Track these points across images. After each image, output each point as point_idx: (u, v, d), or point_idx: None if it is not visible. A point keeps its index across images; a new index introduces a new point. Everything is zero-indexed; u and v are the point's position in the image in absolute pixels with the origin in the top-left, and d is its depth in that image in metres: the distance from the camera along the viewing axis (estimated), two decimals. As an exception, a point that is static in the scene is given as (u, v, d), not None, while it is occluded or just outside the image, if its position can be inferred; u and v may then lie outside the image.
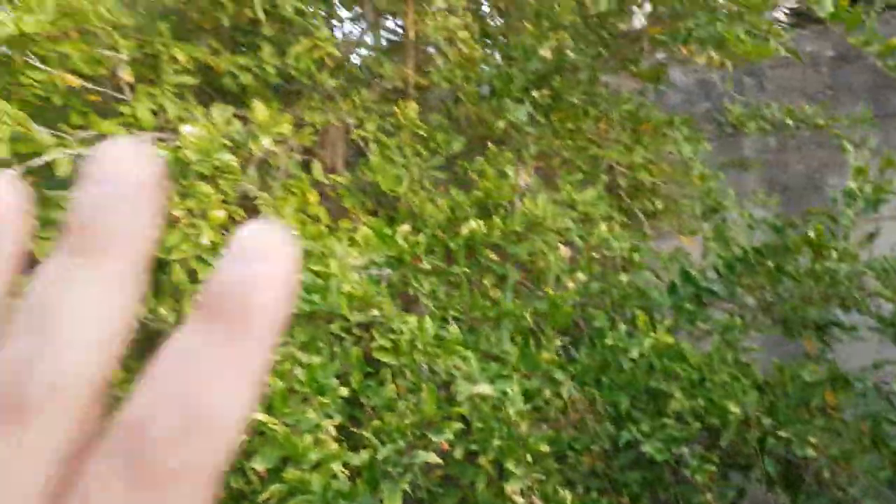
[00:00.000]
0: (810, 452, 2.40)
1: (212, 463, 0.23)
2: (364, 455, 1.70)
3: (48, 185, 2.44)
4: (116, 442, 0.23)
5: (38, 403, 0.23)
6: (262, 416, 1.71)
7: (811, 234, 2.63)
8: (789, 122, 3.68)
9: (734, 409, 2.40)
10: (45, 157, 2.20)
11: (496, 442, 2.05)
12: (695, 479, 2.34)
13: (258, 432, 1.82)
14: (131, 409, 0.24)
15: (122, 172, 0.25)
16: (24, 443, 0.23)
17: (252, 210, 2.75)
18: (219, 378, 0.23)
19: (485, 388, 2.17)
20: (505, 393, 2.18)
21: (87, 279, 0.24)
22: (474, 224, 2.50)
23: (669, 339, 2.55)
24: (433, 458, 1.62)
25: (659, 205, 3.69)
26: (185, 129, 2.21)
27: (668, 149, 3.59)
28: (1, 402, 0.23)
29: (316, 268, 2.23)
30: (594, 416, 2.52)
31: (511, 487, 1.95)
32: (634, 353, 2.52)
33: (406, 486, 1.66)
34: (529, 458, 2.08)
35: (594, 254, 2.80)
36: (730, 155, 5.08)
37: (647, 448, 2.33)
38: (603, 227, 2.79)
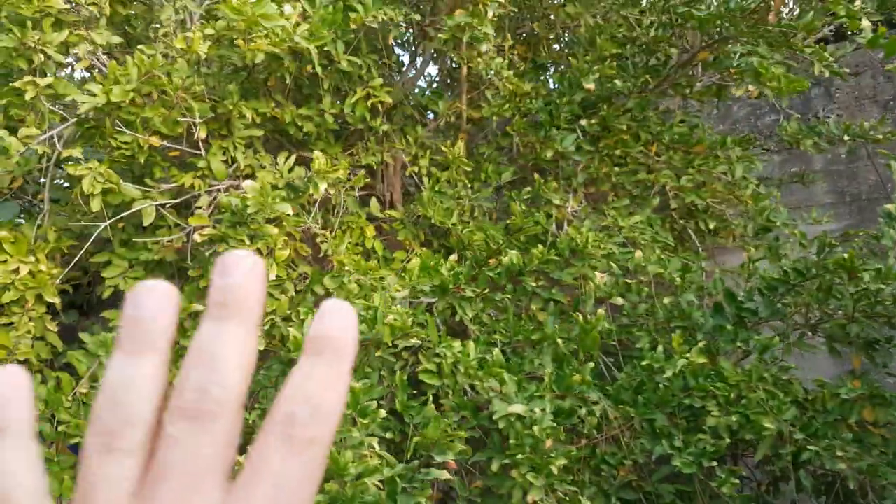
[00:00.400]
0: (840, 465, 2.44)
1: (328, 437, 0.36)
2: (386, 472, 1.91)
3: (136, 232, 2.81)
4: (272, 426, 0.36)
5: (215, 410, 0.35)
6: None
7: (844, 255, 2.65)
8: (846, 137, 3.63)
9: (769, 424, 2.47)
10: (134, 208, 2.56)
11: (523, 456, 2.22)
12: (722, 491, 2.43)
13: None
14: (279, 407, 0.36)
15: (237, 265, 0.37)
16: (207, 436, 0.35)
17: (316, 244, 3.04)
18: (327, 388, 0.36)
19: (517, 408, 2.35)
20: (533, 412, 2.34)
21: (232, 332, 0.36)
22: (512, 255, 2.67)
23: (702, 359, 2.62)
24: (444, 475, 1.81)
25: (712, 224, 3.72)
26: (246, 183, 2.50)
27: (719, 170, 3.62)
28: (191, 412, 0.35)
29: (364, 302, 2.47)
30: (630, 433, 2.63)
31: (531, 497, 2.11)
32: (668, 373, 2.62)
33: (423, 500, 1.86)
34: (554, 470, 2.23)
35: (642, 277, 2.90)
36: (798, 165, 5.00)
37: (676, 462, 2.43)
38: (638, 253, 2.89)
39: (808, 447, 2.50)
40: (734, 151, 3.70)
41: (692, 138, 3.66)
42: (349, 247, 2.82)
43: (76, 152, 2.55)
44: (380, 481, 1.91)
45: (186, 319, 2.73)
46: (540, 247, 2.82)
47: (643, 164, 3.60)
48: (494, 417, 2.36)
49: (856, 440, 2.55)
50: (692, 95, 3.80)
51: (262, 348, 2.61)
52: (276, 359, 2.54)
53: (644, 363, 2.68)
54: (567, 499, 2.22)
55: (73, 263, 2.65)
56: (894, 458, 2.54)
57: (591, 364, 2.56)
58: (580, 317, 2.57)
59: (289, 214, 2.50)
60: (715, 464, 2.44)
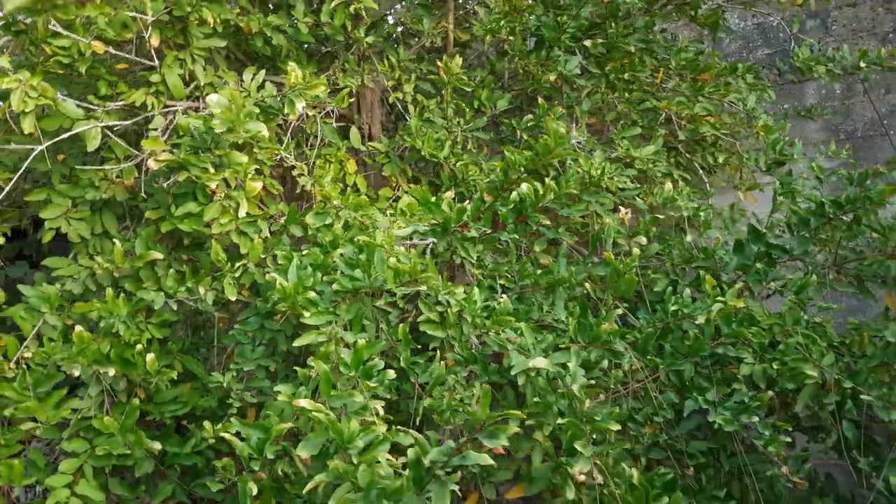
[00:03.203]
0: (894, 416, 2.20)
1: None
2: (411, 454, 1.58)
3: (80, 163, 2.37)
4: None
5: None
6: (306, 403, 1.60)
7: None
8: (863, 65, 3.36)
9: (811, 371, 2.23)
10: (74, 131, 2.11)
11: (556, 419, 1.92)
12: (767, 450, 2.18)
13: (301, 418, 1.72)
14: None
15: None
16: None
17: (289, 182, 2.63)
18: None
19: (540, 362, 2.03)
20: (565, 367, 2.03)
21: None
22: (525, 188, 2.32)
23: (740, 303, 2.35)
24: (486, 459, 1.48)
25: (720, 159, 3.44)
26: (212, 97, 2.08)
27: (730, 98, 3.33)
28: None
29: (360, 240, 2.10)
30: (656, 386, 2.36)
31: (579, 468, 1.81)
32: (701, 319, 2.35)
33: (454, 486, 1.54)
34: (594, 436, 1.94)
35: (655, 215, 2.60)
36: (791, 103, 4.76)
37: (714, 418, 2.17)
38: (668, 185, 2.58)
39: (860, 396, 2.25)
40: (744, 79, 3.41)
41: (699, 64, 3.34)
42: (331, 182, 2.43)
43: (2, 61, 2.07)
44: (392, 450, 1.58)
45: (143, 268, 2.32)
46: (549, 180, 2.48)
47: (650, 92, 3.28)
48: (513, 373, 2.05)
49: (893, 384, 2.33)
50: (697, 19, 3.48)
51: (232, 298, 2.23)
52: (252, 310, 2.17)
53: (671, 308, 2.39)
54: (598, 463, 1.94)
55: (3, 199, 2.19)
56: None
57: (619, 310, 2.27)
58: (611, 256, 2.25)
59: (264, 135, 2.09)
60: (756, 419, 2.18)
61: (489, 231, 2.43)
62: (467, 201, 2.40)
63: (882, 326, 2.48)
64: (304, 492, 1.53)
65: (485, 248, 2.48)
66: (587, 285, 2.28)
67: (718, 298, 2.33)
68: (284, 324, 2.11)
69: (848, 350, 2.45)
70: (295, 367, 1.81)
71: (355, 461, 1.59)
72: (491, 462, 1.51)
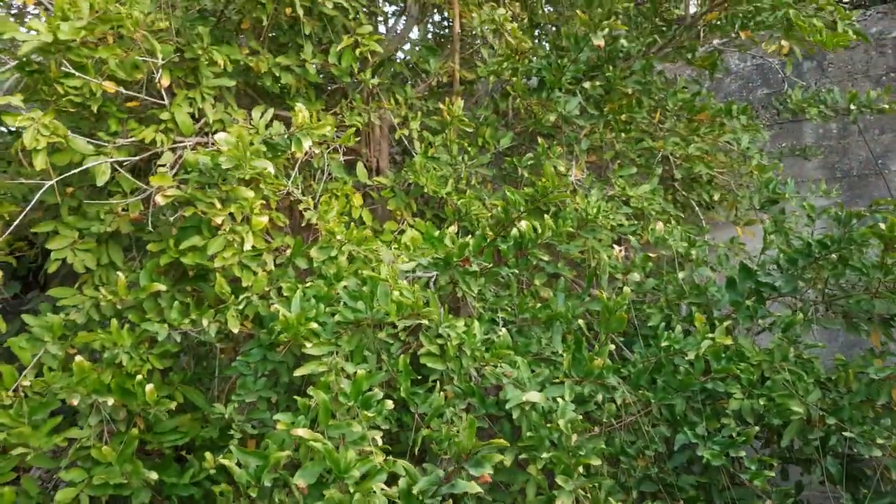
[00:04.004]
0: (877, 452, 2.27)
1: None
2: (402, 483, 1.61)
3: (88, 197, 2.43)
4: None
5: None
6: (304, 432, 1.64)
7: (881, 224, 2.46)
8: (853, 107, 3.45)
9: (797, 408, 2.29)
10: (84, 166, 2.18)
11: (545, 453, 1.95)
12: (753, 484, 2.22)
13: (301, 447, 1.75)
14: None
15: None
16: None
17: (296, 214, 2.70)
18: None
19: (534, 396, 2.07)
20: (556, 401, 2.07)
21: None
22: (525, 225, 2.38)
23: (727, 340, 2.41)
24: (474, 487, 1.51)
25: (715, 196, 3.51)
26: (220, 136, 2.15)
27: (725, 139, 3.41)
28: None
29: (364, 273, 2.15)
30: (648, 420, 2.40)
31: (561, 502, 1.84)
32: (691, 355, 2.40)
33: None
34: (581, 469, 1.97)
35: (650, 252, 2.65)
36: (789, 142, 4.84)
37: (702, 452, 2.22)
38: (659, 225, 2.64)
39: (843, 432, 2.31)
40: (739, 120, 3.49)
41: (695, 105, 3.42)
42: (336, 216, 2.49)
43: (15, 100, 2.15)
44: (385, 484, 1.61)
45: (147, 299, 2.36)
46: (548, 218, 2.54)
47: (647, 132, 3.36)
48: (508, 406, 2.08)
49: (875, 421, 2.38)
50: (695, 61, 3.58)
51: (235, 330, 2.28)
52: (255, 342, 2.21)
53: (663, 344, 2.44)
54: (587, 496, 1.96)
55: (11, 230, 2.25)
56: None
57: (612, 346, 2.31)
58: (602, 294, 2.30)
59: (270, 172, 2.15)
60: (743, 454, 2.23)
61: (490, 266, 2.49)
62: (470, 236, 2.46)
63: (867, 363, 2.53)
64: (302, 520, 1.56)
65: (486, 282, 2.53)
66: (581, 322, 2.32)
67: (708, 335, 2.37)
68: (287, 355, 2.15)
69: (834, 386, 2.51)
70: (295, 398, 1.84)
71: (351, 490, 1.62)
72: (479, 490, 1.54)
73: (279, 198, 2.55)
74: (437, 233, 2.38)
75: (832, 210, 3.12)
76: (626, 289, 2.32)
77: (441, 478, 1.49)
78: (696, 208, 3.49)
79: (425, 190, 2.76)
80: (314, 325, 2.02)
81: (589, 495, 1.92)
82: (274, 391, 2.15)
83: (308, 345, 2.00)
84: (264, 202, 2.41)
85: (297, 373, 1.98)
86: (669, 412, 2.38)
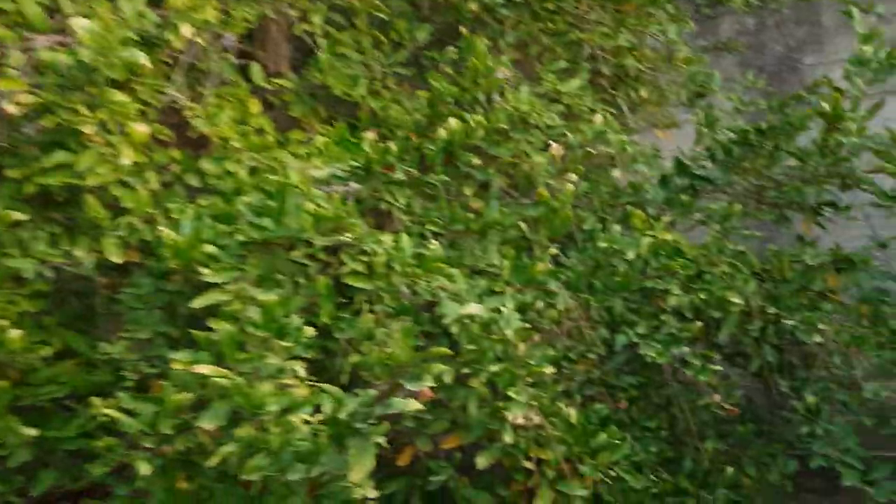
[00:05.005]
0: (817, 338, 2.27)
1: None
2: (327, 408, 1.36)
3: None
4: None
5: None
6: (207, 369, 1.35)
7: (824, 104, 2.34)
8: (777, -6, 3.32)
9: (736, 299, 2.25)
10: None
11: (491, 366, 1.75)
12: (698, 380, 2.15)
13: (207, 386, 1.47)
14: None
15: None
16: None
17: (183, 123, 2.31)
18: None
19: (474, 308, 1.85)
20: (499, 311, 1.86)
21: None
22: (454, 123, 2.11)
23: (669, 236, 2.28)
24: (413, 405, 1.28)
25: (644, 93, 3.33)
26: (78, 21, 1.75)
27: (652, 29, 3.22)
28: None
29: (269, 184, 1.83)
30: (589, 324, 2.27)
31: (514, 415, 1.66)
32: (631, 254, 2.26)
33: (381, 439, 1.34)
34: (528, 378, 1.80)
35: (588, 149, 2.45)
36: (707, 38, 4.72)
37: (646, 351, 2.12)
38: (597, 116, 2.43)
39: (784, 321, 2.26)
40: (665, 10, 3.30)
41: (621, -6, 3.19)
42: (231, 123, 2.13)
43: None
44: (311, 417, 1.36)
45: (5, 232, 1.95)
46: (480, 116, 2.28)
47: (573, 25, 3.11)
48: (445, 321, 1.85)
49: (813, 308, 2.35)
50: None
51: (117, 261, 1.93)
52: (144, 272, 1.87)
53: (602, 245, 2.27)
54: (536, 404, 1.79)
55: None
56: (872, 328, 2.34)
57: (553, 250, 2.11)
58: (545, 193, 2.08)
59: (145, 66, 1.78)
60: (686, 349, 2.13)
61: (417, 173, 2.22)
62: (390, 141, 2.17)
63: (799, 252, 2.52)
64: (210, 465, 1.30)
65: (412, 193, 2.27)
66: (522, 225, 2.11)
67: (648, 233, 2.24)
68: (184, 285, 1.83)
69: (769, 276, 2.48)
70: (192, 331, 1.55)
71: (269, 427, 1.36)
72: (418, 407, 1.31)
73: (161, 105, 2.16)
74: (351, 137, 2.08)
75: (760, 101, 3.06)
76: (569, 186, 2.11)
77: (374, 398, 1.25)
78: (624, 107, 3.31)
79: (335, 92, 2.43)
80: (211, 249, 1.71)
81: (537, 404, 1.75)
82: (172, 326, 1.84)
83: (205, 271, 1.69)
84: (142, 109, 2.02)
85: (195, 304, 1.67)
86: (609, 314, 2.28)
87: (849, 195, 2.56)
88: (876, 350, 2.21)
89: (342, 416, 1.23)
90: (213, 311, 1.65)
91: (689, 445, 2.24)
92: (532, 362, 1.73)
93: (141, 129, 1.98)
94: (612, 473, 1.82)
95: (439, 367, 1.21)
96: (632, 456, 1.91)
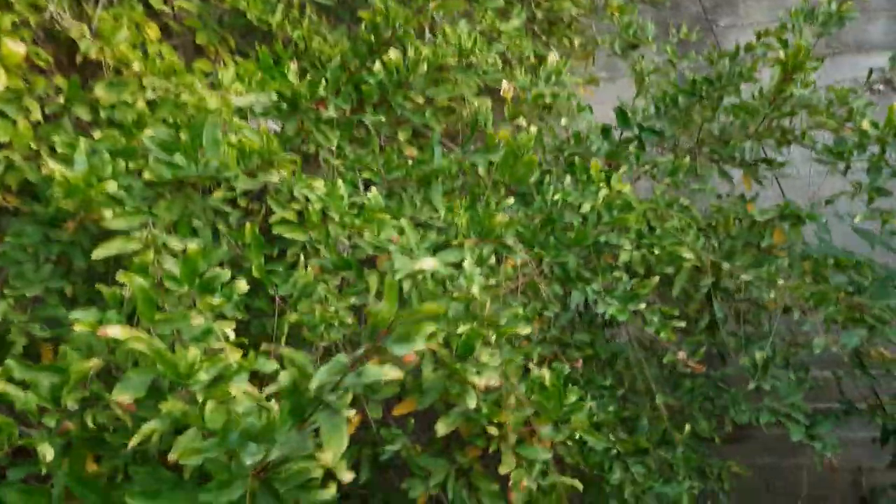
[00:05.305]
0: (772, 294, 2.20)
1: None
2: (285, 378, 1.12)
3: None
4: None
5: None
6: (118, 331, 1.07)
7: (781, 53, 2.27)
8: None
9: (687, 254, 2.17)
10: None
11: (454, 326, 1.55)
12: (659, 337, 2.05)
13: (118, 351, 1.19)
14: None
15: None
16: None
17: (66, 46, 1.93)
18: None
19: (428, 263, 1.63)
20: (459, 266, 1.66)
21: None
22: (395, 55, 1.86)
23: (626, 187, 2.15)
24: (393, 373, 1.07)
25: (577, 41, 3.19)
26: None
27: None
28: None
29: (179, 114, 1.53)
30: (544, 280, 2.12)
31: (484, 381, 1.47)
32: (586, 207, 2.12)
33: (349, 413, 1.11)
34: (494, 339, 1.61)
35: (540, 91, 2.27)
36: (620, -7, 4.65)
37: (605, 309, 2.00)
38: (552, 55, 2.25)
39: (737, 276, 2.20)
40: (598, -46, 3.16)
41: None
42: (129, 48, 1.79)
43: None
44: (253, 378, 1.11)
45: None
46: (421, 48, 2.04)
47: (506, -37, 2.90)
48: (396, 277, 1.63)
49: (759, 264, 2.32)
50: None
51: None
52: (30, 218, 1.53)
53: (555, 197, 2.11)
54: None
55: None
56: (814, 284, 2.32)
57: (511, 200, 1.93)
58: (506, 134, 1.88)
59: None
60: (643, 306, 2.03)
61: (350, 112, 1.95)
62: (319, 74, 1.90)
63: (741, 208, 2.47)
64: (131, 445, 1.04)
65: (343, 135, 2.01)
66: (481, 170, 1.91)
67: (602, 185, 2.09)
68: (81, 233, 1.51)
69: (714, 232, 2.42)
70: (99, 287, 1.25)
71: (201, 398, 1.11)
72: (398, 375, 1.10)
73: (40, 23, 1.79)
74: (274, 64, 1.79)
75: (693, 54, 3.02)
76: (533, 127, 1.92)
77: (345, 365, 1.02)
78: (557, 57, 3.16)
79: (248, 17, 2.11)
80: (113, 188, 1.40)
81: (504, 367, 1.57)
82: (67, 281, 1.51)
83: (108, 214, 1.38)
84: (15, 22, 1.65)
85: (96, 254, 1.36)
86: (562, 270, 2.13)
87: (784, 152, 2.54)
88: (827, 306, 2.18)
89: (312, 387, 0.99)
90: (118, 263, 1.35)
91: (644, 405, 2.14)
92: (502, 323, 1.53)
93: (17, 48, 1.61)
94: (575, 436, 1.67)
95: (432, 326, 0.99)
96: (592, 416, 1.77)
